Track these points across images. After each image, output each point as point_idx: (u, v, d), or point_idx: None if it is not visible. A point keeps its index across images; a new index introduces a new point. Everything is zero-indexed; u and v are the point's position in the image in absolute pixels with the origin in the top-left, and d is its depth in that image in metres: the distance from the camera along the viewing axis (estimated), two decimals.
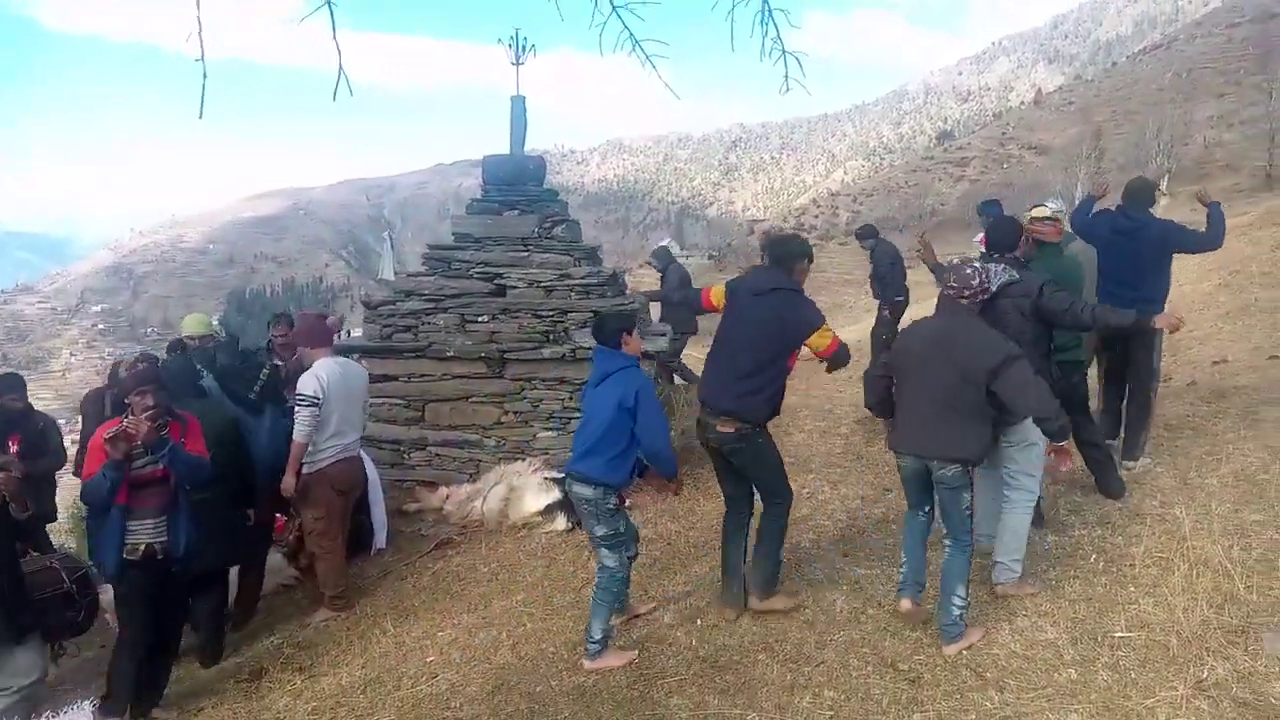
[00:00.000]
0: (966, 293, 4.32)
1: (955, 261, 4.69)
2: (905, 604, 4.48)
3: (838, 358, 4.64)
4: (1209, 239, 6.28)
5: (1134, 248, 6.07)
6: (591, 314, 8.02)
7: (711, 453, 4.84)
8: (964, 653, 4.15)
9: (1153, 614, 4.18)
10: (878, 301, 10.79)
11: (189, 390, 5.79)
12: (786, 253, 4.76)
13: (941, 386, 4.18)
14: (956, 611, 4.20)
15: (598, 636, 4.54)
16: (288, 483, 5.80)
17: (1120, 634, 4.08)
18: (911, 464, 4.39)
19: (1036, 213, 5.68)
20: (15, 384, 6.69)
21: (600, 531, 4.54)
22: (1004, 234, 5.05)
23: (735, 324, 4.70)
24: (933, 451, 4.22)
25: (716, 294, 4.90)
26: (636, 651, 4.58)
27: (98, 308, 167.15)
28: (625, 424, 4.39)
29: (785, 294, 4.60)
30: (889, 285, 10.58)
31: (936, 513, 4.50)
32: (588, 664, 4.54)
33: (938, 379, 4.20)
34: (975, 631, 4.27)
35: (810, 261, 4.80)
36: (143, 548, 4.58)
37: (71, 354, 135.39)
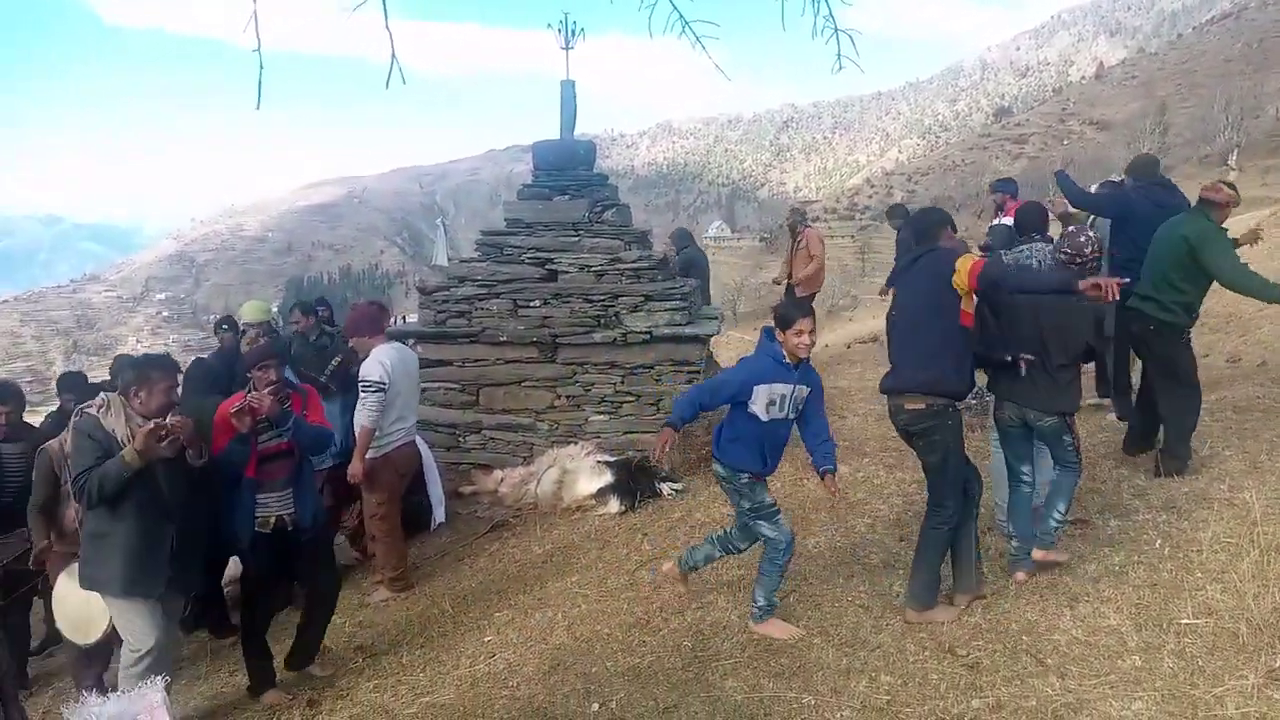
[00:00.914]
0: (1078, 259, 4.54)
1: (1070, 230, 4.74)
2: (1020, 576, 4.59)
3: (986, 273, 4.35)
4: None
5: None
6: (643, 298, 8.02)
7: (905, 438, 4.75)
8: (1024, 638, 4.10)
9: (1221, 601, 4.07)
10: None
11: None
12: (929, 223, 4.77)
13: (1057, 348, 4.45)
14: (1054, 524, 4.52)
15: (761, 603, 4.55)
16: (355, 468, 5.87)
17: (1187, 621, 3.97)
18: (1014, 414, 4.64)
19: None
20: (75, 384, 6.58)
21: (745, 506, 4.54)
22: (1032, 217, 5.21)
23: (902, 303, 4.67)
24: (1048, 406, 4.48)
25: None
26: (800, 629, 4.53)
27: (161, 295, 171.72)
28: (739, 403, 4.42)
29: (927, 255, 4.58)
30: None
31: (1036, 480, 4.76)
32: (752, 625, 4.56)
33: (1053, 341, 4.45)
34: (1064, 553, 4.58)
35: (954, 229, 4.85)
36: (273, 520, 4.66)
37: (137, 340, 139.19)
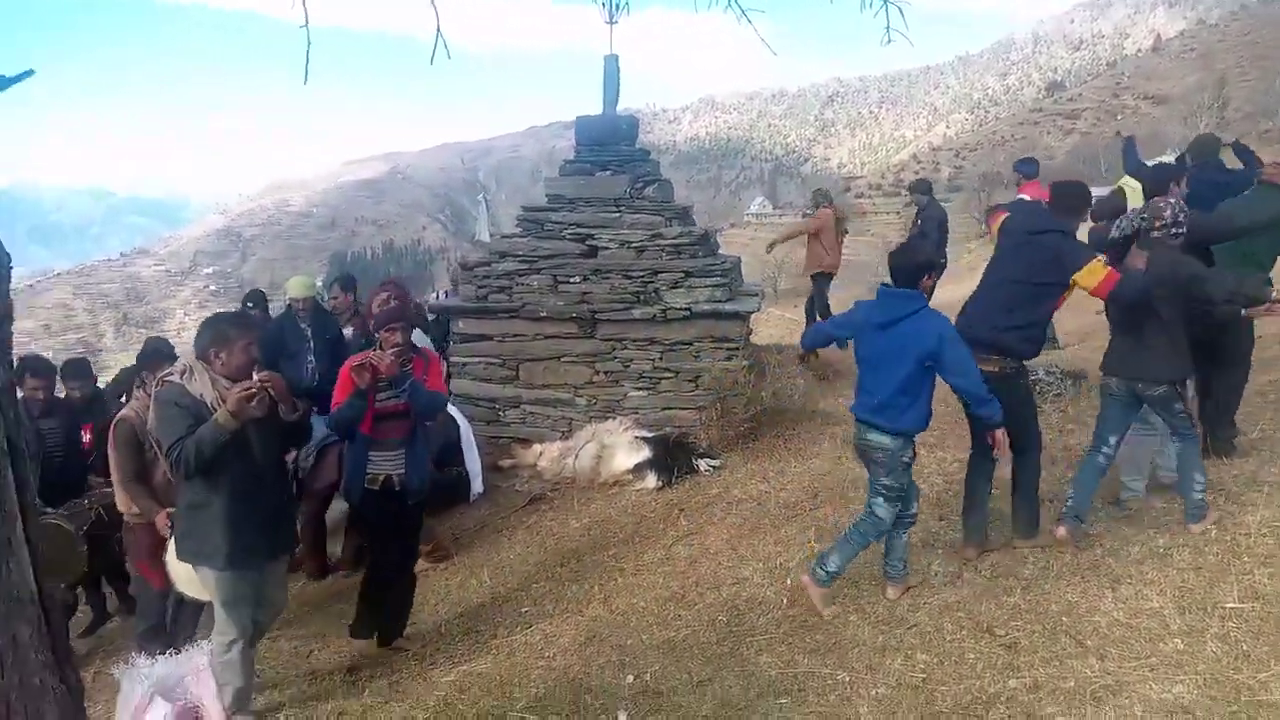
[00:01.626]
0: (1160, 224, 4.51)
1: (1155, 199, 4.75)
2: (1061, 531, 4.70)
3: (1120, 292, 4.38)
4: None
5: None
6: (683, 274, 7.99)
7: None
8: (1063, 619, 4.05)
9: (1268, 586, 3.99)
10: None
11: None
12: (1074, 197, 4.75)
13: (1161, 317, 4.47)
14: (1198, 495, 4.61)
15: (831, 569, 4.43)
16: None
17: (1232, 605, 3.90)
18: (1121, 385, 4.69)
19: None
20: (81, 370, 6.51)
21: (887, 482, 4.35)
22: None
23: (1008, 261, 4.70)
24: (1157, 375, 4.52)
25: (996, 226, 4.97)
26: (837, 608, 4.52)
27: (209, 269, 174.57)
28: (925, 368, 4.19)
29: (1059, 236, 4.57)
30: (935, 246, 10.32)
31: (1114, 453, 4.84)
32: (805, 579, 4.52)
33: (1157, 309, 4.45)
34: (1214, 513, 4.65)
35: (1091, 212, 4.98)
36: (382, 478, 4.68)
37: (185, 314, 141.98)
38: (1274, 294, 4.66)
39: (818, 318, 10.66)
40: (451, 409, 6.76)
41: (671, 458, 7.08)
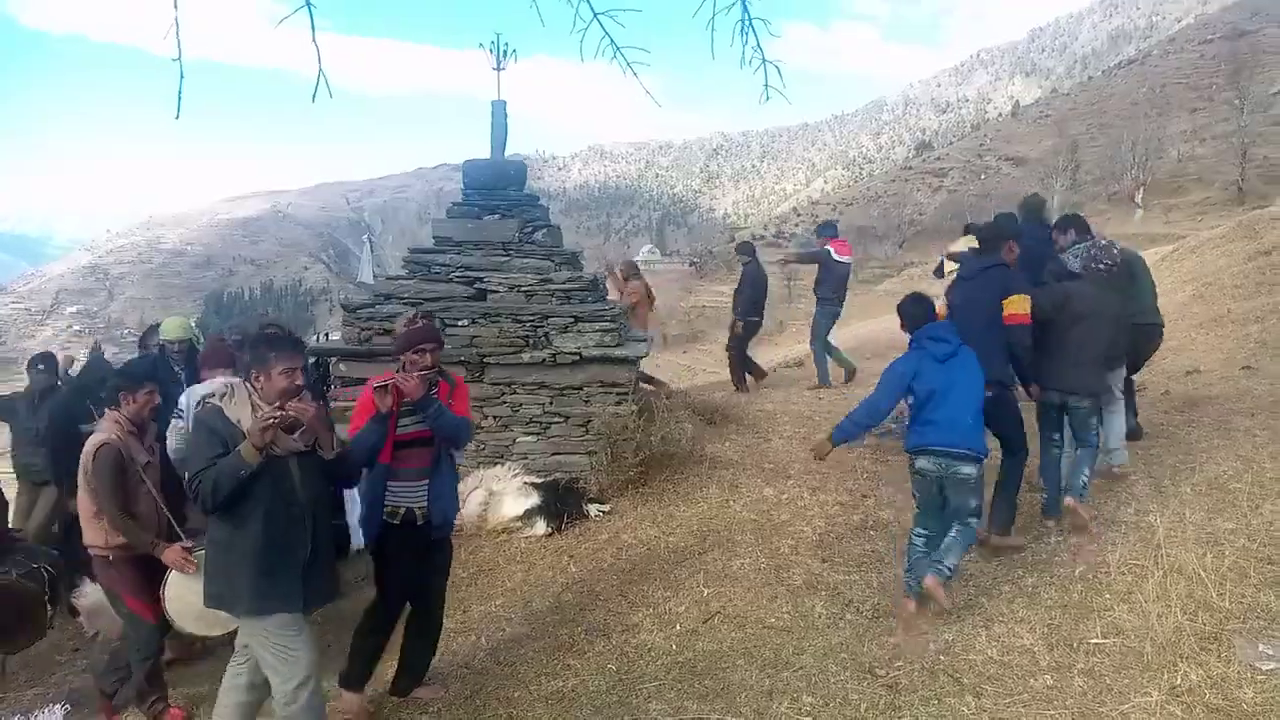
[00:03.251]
0: (1098, 265, 5.61)
1: (1093, 242, 5.93)
2: (1068, 500, 5.40)
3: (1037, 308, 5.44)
4: None
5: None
6: (572, 319, 8.00)
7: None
8: (942, 658, 4.18)
9: (1128, 621, 4.21)
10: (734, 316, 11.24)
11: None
12: (994, 236, 6.04)
13: (1103, 339, 5.49)
14: (1083, 481, 5.43)
15: (951, 565, 4.67)
16: None
17: (1096, 640, 4.11)
18: (1055, 400, 5.58)
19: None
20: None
21: (974, 504, 4.74)
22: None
23: (971, 305, 5.55)
24: (1084, 388, 5.47)
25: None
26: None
27: (73, 308, 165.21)
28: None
29: (996, 270, 5.61)
30: (749, 303, 11.05)
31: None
32: (928, 581, 4.59)
33: (1100, 334, 5.46)
34: (1092, 510, 5.43)
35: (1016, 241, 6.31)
36: (403, 511, 4.28)
37: None
38: None
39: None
40: None
41: (561, 503, 7.01)
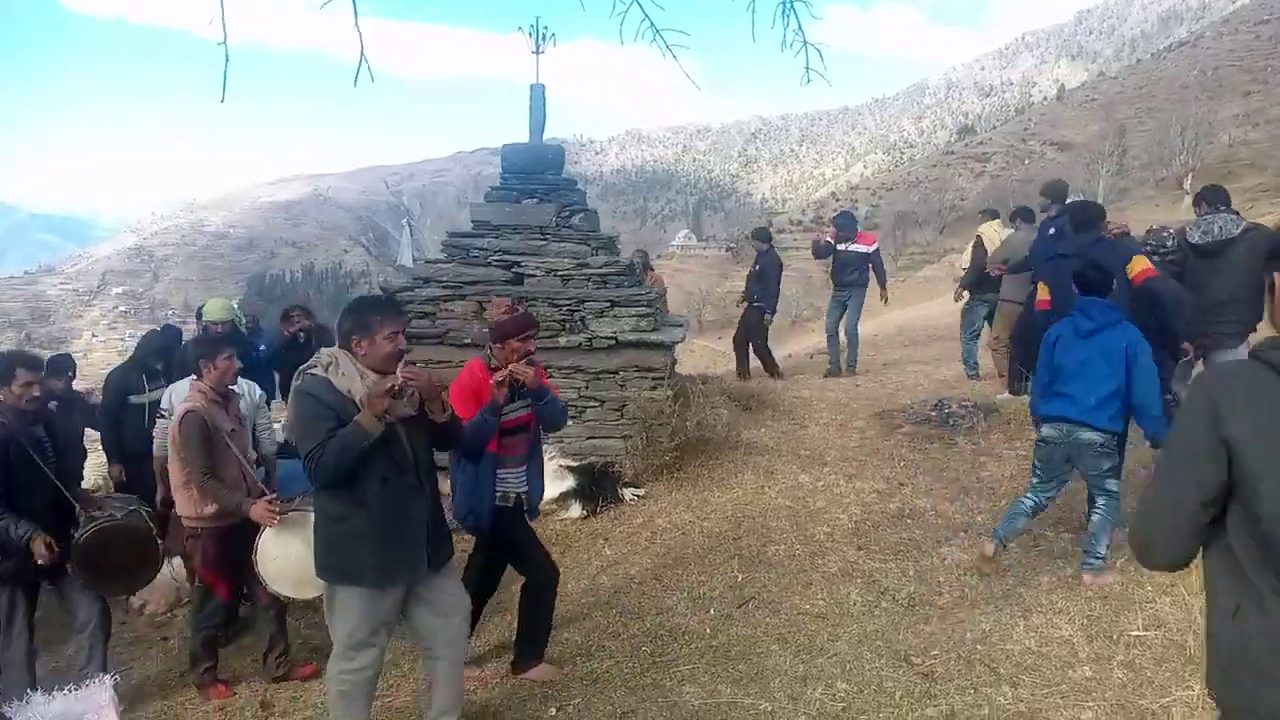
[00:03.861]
0: (1160, 250, 5.98)
1: (1155, 228, 6.14)
2: None
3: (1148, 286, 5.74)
4: None
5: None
6: (608, 303, 8.01)
7: None
8: (978, 648, 4.15)
9: (1169, 613, 4.16)
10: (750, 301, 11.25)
11: None
12: (1090, 215, 6.34)
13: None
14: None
15: (1102, 552, 4.74)
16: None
17: (1136, 633, 4.06)
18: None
19: None
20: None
21: (1107, 465, 4.78)
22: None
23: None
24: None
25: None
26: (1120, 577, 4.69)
27: (119, 289, 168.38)
28: (1124, 374, 4.68)
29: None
30: (773, 294, 11.13)
31: None
32: (1087, 579, 4.69)
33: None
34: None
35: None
36: (513, 496, 4.35)
37: (93, 335, 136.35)
38: None
39: None
40: None
41: (596, 487, 7.05)
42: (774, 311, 11.34)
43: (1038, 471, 4.99)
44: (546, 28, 8.70)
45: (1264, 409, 1.74)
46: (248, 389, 5.63)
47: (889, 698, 3.86)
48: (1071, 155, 75.51)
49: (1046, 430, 4.88)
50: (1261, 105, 70.91)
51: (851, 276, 10.76)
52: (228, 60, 2.89)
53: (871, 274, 10.77)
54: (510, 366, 4.12)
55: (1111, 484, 4.78)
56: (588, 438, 7.96)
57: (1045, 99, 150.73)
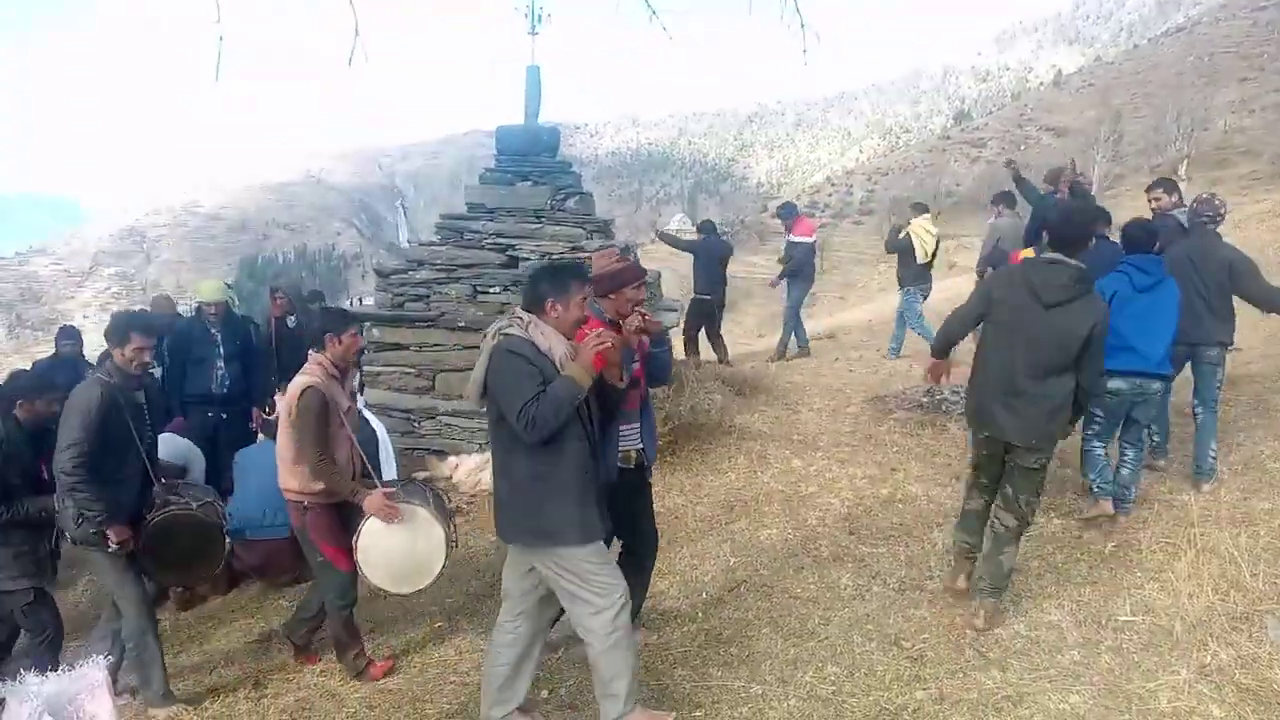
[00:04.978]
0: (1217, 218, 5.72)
1: (1205, 196, 5.92)
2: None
3: None
4: None
5: None
6: None
7: None
8: (968, 632, 4.18)
9: (1158, 599, 4.19)
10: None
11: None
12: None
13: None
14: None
15: (1132, 497, 5.21)
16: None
17: (1125, 618, 4.09)
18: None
19: None
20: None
21: (1153, 413, 5.30)
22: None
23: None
24: (1206, 338, 5.51)
25: None
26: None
27: (111, 270, 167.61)
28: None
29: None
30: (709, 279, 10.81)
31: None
32: (1122, 519, 5.13)
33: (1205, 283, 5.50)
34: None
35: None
36: (634, 454, 4.14)
37: (85, 316, 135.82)
38: None
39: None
40: (368, 414, 6.60)
41: None
42: (713, 295, 10.79)
43: (1098, 420, 5.24)
44: (542, 8, 8.64)
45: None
46: None
47: (879, 681, 3.89)
48: (1067, 141, 75.37)
49: (1116, 383, 5.02)
50: (1257, 92, 70.98)
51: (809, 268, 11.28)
52: (221, 39, 2.88)
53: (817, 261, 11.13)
54: (639, 312, 3.92)
55: (1144, 433, 5.30)
56: None
57: (1042, 84, 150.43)
